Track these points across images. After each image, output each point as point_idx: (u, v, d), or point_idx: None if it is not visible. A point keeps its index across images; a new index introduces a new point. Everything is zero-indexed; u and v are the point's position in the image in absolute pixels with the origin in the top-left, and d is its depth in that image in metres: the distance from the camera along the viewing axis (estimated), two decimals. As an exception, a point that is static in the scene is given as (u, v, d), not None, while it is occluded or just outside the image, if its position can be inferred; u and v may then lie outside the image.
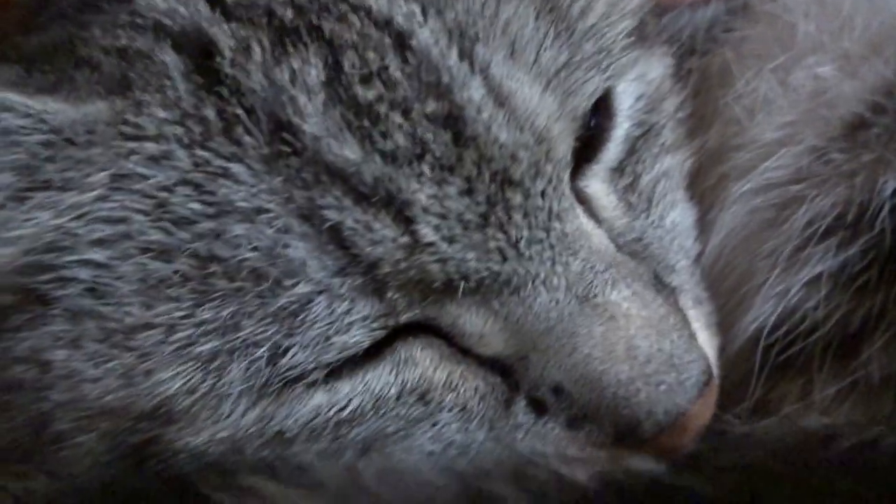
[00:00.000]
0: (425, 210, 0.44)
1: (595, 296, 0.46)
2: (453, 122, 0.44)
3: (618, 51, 0.52)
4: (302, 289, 0.43)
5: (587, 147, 0.51)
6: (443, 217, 0.44)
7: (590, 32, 0.50)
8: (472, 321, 0.46)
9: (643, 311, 0.47)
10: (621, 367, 0.46)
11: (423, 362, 0.47)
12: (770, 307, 0.51)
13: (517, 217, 0.45)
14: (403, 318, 0.45)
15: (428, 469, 0.45)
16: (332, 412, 0.45)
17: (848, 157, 0.51)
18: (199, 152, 0.44)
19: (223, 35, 0.45)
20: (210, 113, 0.44)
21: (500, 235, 0.45)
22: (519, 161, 0.45)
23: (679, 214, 0.55)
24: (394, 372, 0.46)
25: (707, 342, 0.51)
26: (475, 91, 0.45)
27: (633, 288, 0.48)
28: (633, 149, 0.53)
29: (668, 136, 0.55)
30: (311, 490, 0.43)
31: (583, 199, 0.51)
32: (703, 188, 0.57)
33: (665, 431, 0.46)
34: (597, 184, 0.52)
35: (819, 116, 0.53)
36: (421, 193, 0.44)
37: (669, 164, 0.55)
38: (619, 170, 0.53)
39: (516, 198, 0.45)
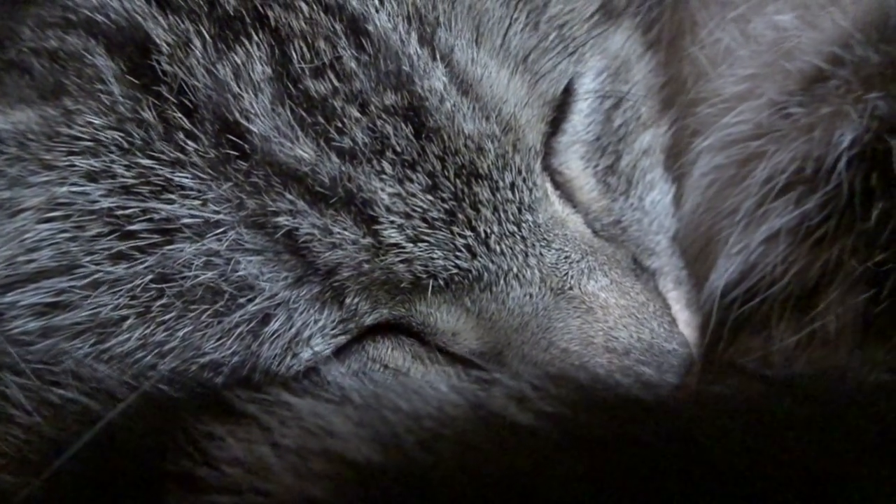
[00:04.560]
0: (388, 209, 0.42)
1: (571, 287, 0.45)
2: (414, 114, 0.42)
3: (583, 34, 0.50)
4: (258, 305, 0.42)
5: (557, 124, 0.50)
6: (407, 216, 0.43)
7: (556, 19, 0.49)
8: (443, 319, 0.45)
9: (622, 299, 0.46)
10: (599, 360, 0.45)
11: (392, 362, 0.46)
12: (732, 265, 0.52)
13: (486, 212, 0.44)
14: (369, 320, 0.44)
15: (444, 387, 0.45)
16: None
17: (806, 110, 0.51)
18: (140, 161, 0.41)
19: (160, 29, 0.42)
20: (149, 116, 0.41)
21: (468, 232, 0.44)
22: (485, 153, 0.44)
23: (658, 193, 0.54)
24: (359, 374, 0.45)
25: (688, 324, 0.51)
26: (437, 80, 0.43)
27: (611, 276, 0.46)
28: (608, 122, 0.52)
29: (640, 107, 0.54)
30: (338, 404, 0.43)
31: (559, 182, 0.50)
32: (678, 149, 0.57)
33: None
34: (574, 162, 0.51)
35: (779, 69, 0.53)
36: (383, 192, 0.42)
37: (649, 141, 0.54)
38: (598, 148, 0.51)
39: (484, 192, 0.44)
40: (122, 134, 0.42)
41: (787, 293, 0.49)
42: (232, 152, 0.41)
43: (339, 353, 0.45)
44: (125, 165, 0.42)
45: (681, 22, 0.58)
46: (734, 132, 0.54)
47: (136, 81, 0.42)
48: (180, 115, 0.41)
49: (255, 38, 0.42)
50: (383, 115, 0.42)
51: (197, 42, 0.42)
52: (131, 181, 0.42)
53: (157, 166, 0.41)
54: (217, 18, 0.42)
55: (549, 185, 0.48)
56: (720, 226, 0.54)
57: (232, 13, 0.43)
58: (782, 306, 0.49)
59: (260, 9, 0.43)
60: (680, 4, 0.58)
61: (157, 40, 0.42)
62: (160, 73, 0.42)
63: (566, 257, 0.46)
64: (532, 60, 0.47)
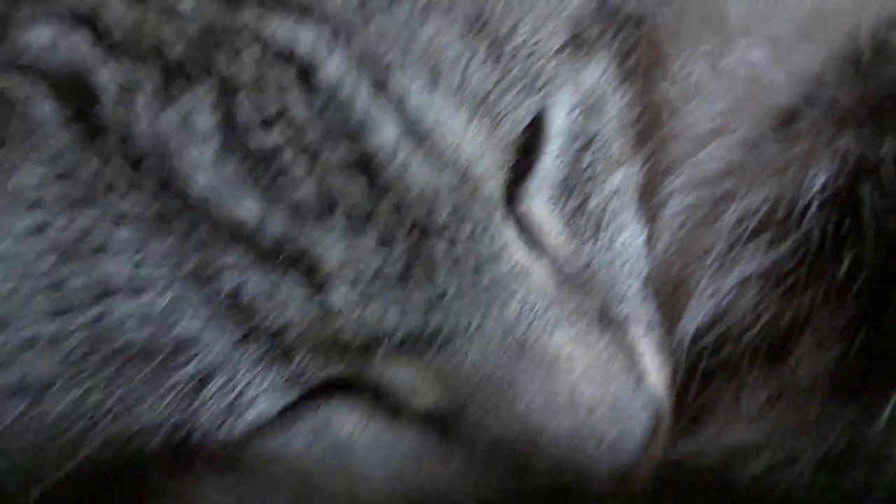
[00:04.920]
0: (338, 269, 0.41)
1: (534, 341, 0.43)
2: (366, 166, 0.41)
3: (552, 67, 0.48)
4: (197, 364, 0.41)
5: (523, 165, 0.48)
6: (358, 275, 0.41)
7: (521, 50, 0.47)
8: (400, 376, 0.43)
9: (587, 354, 0.44)
10: (562, 419, 0.43)
11: (346, 426, 0.44)
12: (703, 309, 0.50)
13: (443, 267, 0.42)
14: (319, 378, 0.43)
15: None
16: None
17: (779, 148, 0.50)
18: (82, 215, 0.40)
19: (106, 76, 0.40)
20: (92, 168, 0.40)
21: (424, 289, 0.42)
22: (441, 206, 0.42)
23: (630, 234, 0.52)
24: (310, 435, 0.44)
25: (659, 371, 0.49)
26: (390, 130, 0.41)
27: (577, 327, 0.45)
28: (577, 163, 0.50)
29: (615, 146, 0.52)
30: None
31: (524, 228, 0.48)
32: (651, 187, 0.55)
33: (610, 487, 0.43)
34: (539, 206, 0.49)
35: (752, 105, 0.51)
36: (332, 251, 0.40)
37: (621, 181, 0.52)
38: (565, 189, 0.50)
39: (440, 247, 0.42)
40: (64, 187, 0.40)
41: (758, 341, 0.48)
42: (173, 207, 0.40)
43: (289, 413, 0.44)
44: (66, 220, 0.40)
45: (655, 52, 0.56)
46: (706, 170, 0.52)
47: (80, 130, 0.40)
48: (125, 166, 0.40)
49: (202, 87, 0.41)
50: (334, 170, 0.41)
51: (143, 90, 0.40)
52: (72, 238, 0.40)
53: (98, 222, 0.40)
54: (164, 66, 0.41)
55: (512, 233, 0.46)
56: (692, 268, 0.52)
57: (179, 61, 0.41)
58: (754, 355, 0.48)
59: (207, 56, 0.41)
60: (654, 34, 0.57)
61: (103, 87, 0.40)
62: (105, 123, 0.40)
63: (530, 308, 0.44)
64: (493, 100, 0.45)
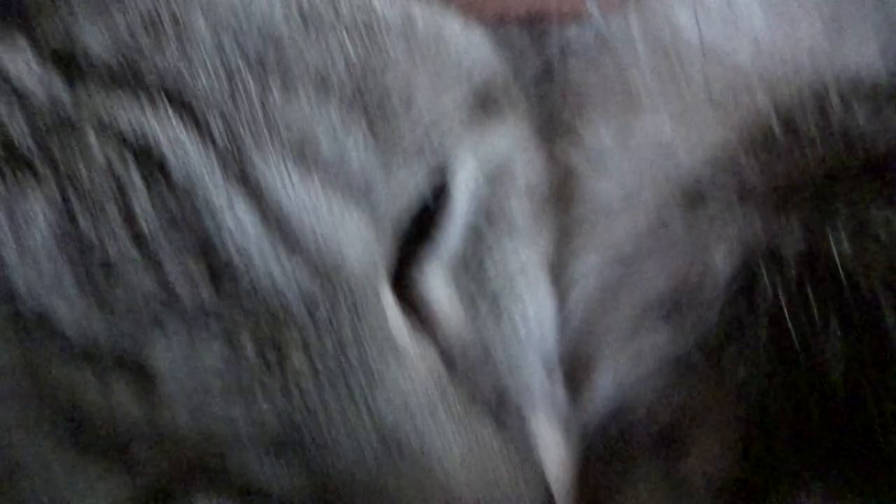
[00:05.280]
0: (170, 377, 0.37)
1: (409, 442, 0.40)
2: (212, 266, 0.37)
3: (453, 130, 0.45)
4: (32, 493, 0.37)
5: (419, 242, 0.45)
6: (195, 390, 0.37)
7: (413, 114, 0.43)
8: (266, 480, 0.40)
9: (470, 453, 0.41)
10: None
11: None
12: (607, 394, 0.48)
13: (302, 381, 0.38)
14: (164, 480, 0.39)
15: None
16: None
17: (685, 225, 0.47)
18: None
19: None
20: None
21: (278, 402, 0.38)
22: (300, 314, 0.38)
23: (535, 313, 0.48)
24: None
25: (560, 462, 0.46)
26: (241, 225, 0.37)
27: (462, 423, 0.41)
28: (479, 236, 0.47)
29: (522, 220, 0.49)
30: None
31: (417, 309, 0.44)
32: (561, 261, 0.52)
33: None
34: (436, 286, 0.45)
35: (660, 179, 0.49)
36: (164, 356, 0.37)
37: (526, 257, 0.48)
38: (464, 266, 0.46)
39: (297, 360, 0.38)
40: None
41: (655, 434, 0.45)
42: (4, 312, 0.37)
43: None
44: None
45: (564, 118, 0.54)
46: (616, 249, 0.49)
47: None
48: None
49: (42, 181, 0.37)
50: (174, 269, 0.37)
51: None
52: None
53: None
54: (11, 157, 0.38)
55: (394, 318, 0.43)
56: (599, 349, 0.49)
57: (25, 153, 0.38)
58: (652, 450, 0.45)
59: (51, 146, 0.38)
60: (564, 99, 0.54)
61: None
62: None
63: (405, 406, 0.40)
64: (378, 179, 0.41)
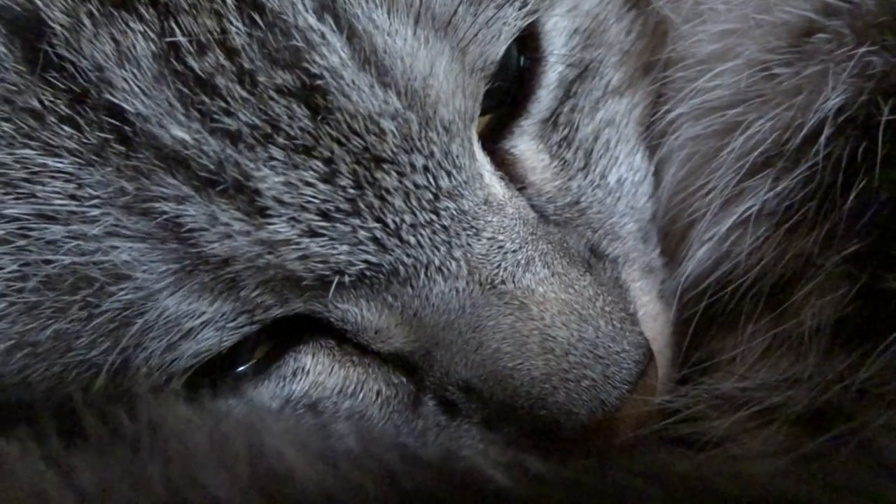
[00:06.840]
0: (278, 200, 0.38)
1: (503, 281, 0.41)
2: (309, 94, 0.38)
3: None
4: (132, 294, 0.39)
5: (511, 98, 0.44)
6: (301, 207, 0.38)
7: None
8: (363, 315, 0.41)
9: (563, 294, 0.41)
10: (535, 362, 0.40)
11: (314, 369, 0.42)
12: (704, 251, 0.45)
13: (395, 200, 0.39)
14: (277, 313, 0.40)
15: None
16: None
17: (792, 70, 0.44)
18: (24, 149, 0.38)
19: (54, 9, 0.38)
20: (36, 102, 0.38)
21: (373, 224, 0.39)
22: (385, 134, 0.39)
23: (626, 169, 0.48)
24: (280, 384, 0.42)
25: (655, 318, 0.45)
26: (334, 54, 0.38)
27: (553, 267, 0.42)
28: (567, 93, 0.46)
29: (612, 73, 0.47)
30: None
31: (505, 162, 0.44)
32: (653, 119, 0.50)
33: (590, 432, 0.41)
34: (525, 142, 0.45)
35: (761, 23, 0.45)
36: (271, 180, 0.38)
37: (615, 110, 0.48)
38: (551, 121, 0.46)
39: (390, 179, 0.39)
40: (13, 125, 0.39)
41: (759, 286, 0.42)
42: (109, 135, 0.38)
43: (260, 367, 0.42)
44: (9, 155, 0.39)
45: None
46: (710, 98, 0.46)
47: (31, 66, 0.38)
48: (66, 100, 0.38)
49: (140, 12, 0.38)
50: (274, 96, 0.38)
51: (86, 21, 0.38)
52: (13, 172, 0.39)
53: (38, 155, 0.39)
54: None
55: (487, 167, 0.43)
56: (695, 206, 0.47)
57: None
58: (754, 302, 0.42)
59: None
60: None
61: (51, 23, 0.38)
62: (53, 57, 0.38)
63: (499, 247, 0.41)
64: (462, 18, 0.40)
